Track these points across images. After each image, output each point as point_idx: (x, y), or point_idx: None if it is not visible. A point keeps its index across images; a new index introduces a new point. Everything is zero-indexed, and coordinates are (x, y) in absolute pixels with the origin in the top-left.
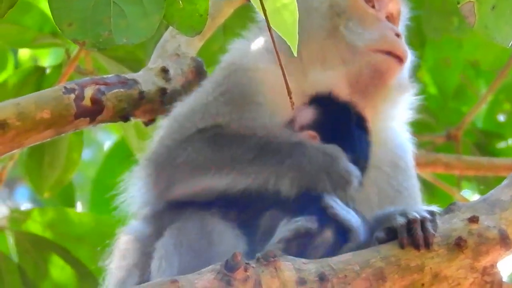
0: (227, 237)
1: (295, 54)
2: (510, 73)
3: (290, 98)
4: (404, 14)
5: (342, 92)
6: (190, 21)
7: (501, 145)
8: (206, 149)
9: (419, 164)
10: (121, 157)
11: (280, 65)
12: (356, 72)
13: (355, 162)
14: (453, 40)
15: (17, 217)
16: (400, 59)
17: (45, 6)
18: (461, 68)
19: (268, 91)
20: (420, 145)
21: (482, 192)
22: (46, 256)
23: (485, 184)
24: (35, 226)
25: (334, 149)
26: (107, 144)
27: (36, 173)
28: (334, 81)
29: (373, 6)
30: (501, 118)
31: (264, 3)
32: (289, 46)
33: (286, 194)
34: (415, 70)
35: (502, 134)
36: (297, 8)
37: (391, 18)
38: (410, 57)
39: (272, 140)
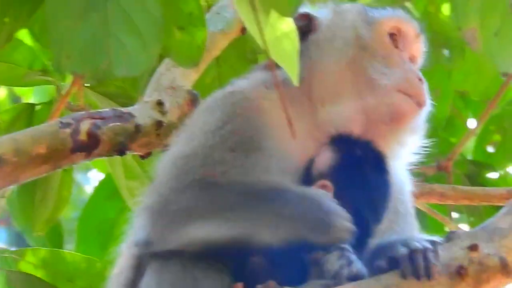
0: (212, 278)
1: (296, 84)
2: (499, 104)
3: (290, 124)
4: (423, 55)
5: (356, 130)
6: (187, 52)
7: (491, 175)
8: (200, 199)
9: (414, 194)
10: (108, 195)
11: (275, 78)
12: (374, 110)
13: (375, 204)
14: (443, 71)
15: (8, 257)
16: (419, 105)
17: (33, 43)
18: (451, 99)
19: (278, 135)
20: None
21: (472, 224)
22: None
23: (475, 215)
24: (27, 266)
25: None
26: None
27: (27, 211)
28: (348, 117)
29: (397, 46)
30: (490, 149)
31: (263, 32)
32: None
33: (269, 243)
34: None
35: (491, 165)
36: (297, 37)
37: (412, 60)
38: (429, 104)
39: (258, 187)
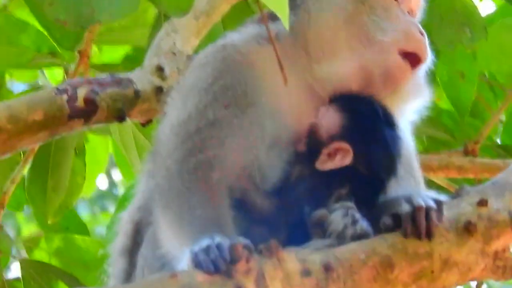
0: None
1: (286, 28)
2: None
3: (282, 68)
4: (422, 9)
5: (353, 87)
6: (177, 2)
7: None
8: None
9: (432, 168)
10: None
11: (272, 41)
12: (370, 68)
13: (390, 160)
14: (466, 53)
15: (23, 244)
16: (420, 59)
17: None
18: (476, 81)
19: (271, 91)
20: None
21: None
22: (53, 284)
23: None
24: (41, 253)
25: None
26: None
27: (40, 198)
28: (346, 74)
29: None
30: None
31: None
32: (287, 37)
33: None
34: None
35: None
36: None
37: (411, 13)
38: (430, 59)
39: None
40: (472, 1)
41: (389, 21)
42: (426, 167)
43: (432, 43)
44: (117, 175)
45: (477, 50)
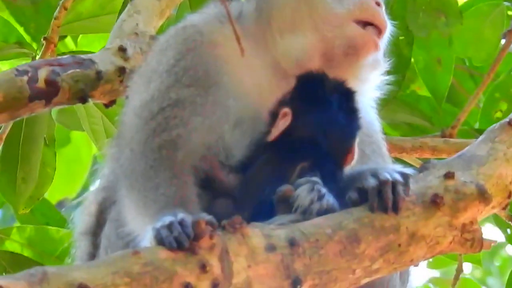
0: None
1: None
2: (503, 71)
3: (239, 41)
4: None
5: (315, 62)
6: None
7: None
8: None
9: (405, 149)
10: None
11: (226, 8)
12: (330, 42)
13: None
14: (443, 39)
15: None
16: (379, 30)
17: (8, 16)
18: (452, 67)
19: (234, 70)
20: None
21: None
22: None
23: None
24: (13, 244)
25: None
26: None
27: (10, 189)
28: (306, 49)
29: None
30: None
31: None
32: (251, 15)
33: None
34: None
35: None
36: None
37: None
38: (389, 28)
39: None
40: None
41: None
42: (399, 148)
43: (407, 29)
44: None
45: (453, 36)
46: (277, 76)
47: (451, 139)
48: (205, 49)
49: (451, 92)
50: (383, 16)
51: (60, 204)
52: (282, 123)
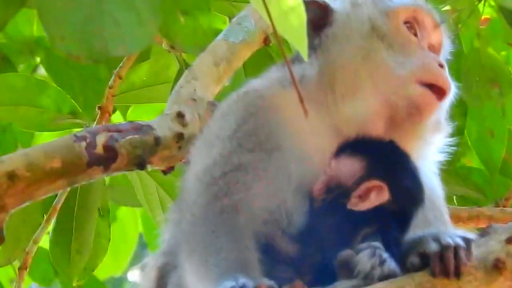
0: None
1: (306, 59)
2: None
3: (303, 104)
4: (446, 47)
5: (376, 126)
6: (193, 37)
7: None
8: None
9: (462, 218)
10: None
11: (290, 71)
12: (393, 104)
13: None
14: (495, 109)
15: None
16: (443, 92)
17: (61, 82)
18: (505, 138)
19: (296, 134)
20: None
21: None
22: None
23: None
24: None
25: None
26: None
27: (64, 260)
28: (369, 113)
29: (415, 35)
30: None
31: (269, 8)
32: (313, 78)
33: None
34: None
35: None
36: (304, 11)
37: (433, 50)
38: (453, 90)
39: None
40: (499, 57)
41: (407, 56)
42: (455, 218)
43: (460, 99)
44: None
45: (506, 106)
46: (338, 141)
47: (507, 209)
48: (267, 114)
49: (503, 164)
50: (446, 77)
51: (106, 282)
52: (376, 197)
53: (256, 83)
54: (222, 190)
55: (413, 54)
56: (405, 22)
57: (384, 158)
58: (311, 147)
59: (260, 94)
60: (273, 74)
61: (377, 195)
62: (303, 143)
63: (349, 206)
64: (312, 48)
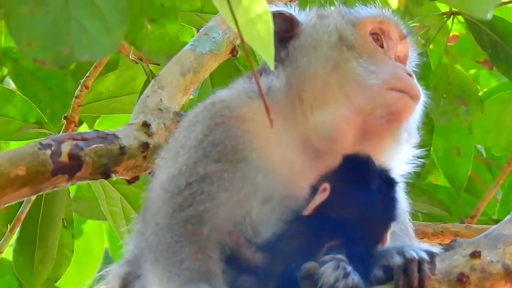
0: None
1: (272, 68)
2: None
3: (269, 115)
4: (412, 58)
5: (347, 136)
6: (160, 45)
7: None
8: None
9: (427, 234)
10: None
11: (257, 82)
12: (370, 113)
13: (375, 220)
14: (462, 128)
15: None
16: (415, 97)
17: (28, 94)
18: (472, 156)
19: (263, 145)
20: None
21: None
22: None
23: None
24: None
25: None
26: None
27: (27, 270)
28: (338, 124)
29: (381, 46)
30: None
31: (236, 16)
32: (281, 90)
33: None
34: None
35: None
36: (271, 19)
37: (399, 61)
38: (422, 98)
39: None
40: (467, 74)
41: (376, 65)
42: (420, 233)
43: (427, 116)
44: None
45: (472, 124)
46: (307, 152)
47: (473, 225)
48: (234, 124)
49: (469, 182)
50: (416, 84)
51: None
52: (319, 198)
53: (223, 94)
54: (187, 200)
55: (382, 63)
56: (372, 33)
57: (347, 169)
58: (278, 158)
59: (226, 104)
60: (240, 85)
61: (321, 196)
62: (269, 154)
63: (302, 212)
64: (279, 60)
